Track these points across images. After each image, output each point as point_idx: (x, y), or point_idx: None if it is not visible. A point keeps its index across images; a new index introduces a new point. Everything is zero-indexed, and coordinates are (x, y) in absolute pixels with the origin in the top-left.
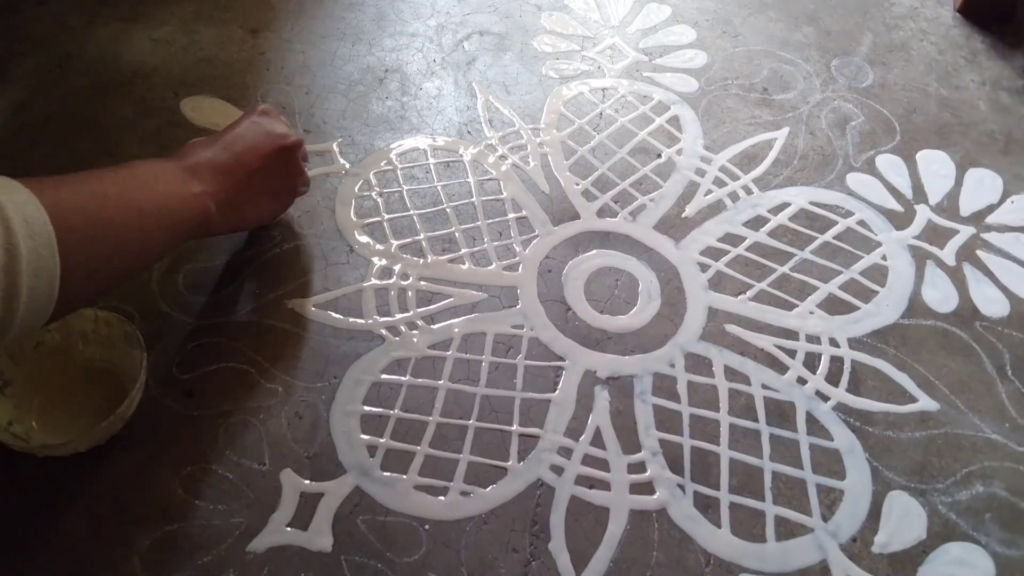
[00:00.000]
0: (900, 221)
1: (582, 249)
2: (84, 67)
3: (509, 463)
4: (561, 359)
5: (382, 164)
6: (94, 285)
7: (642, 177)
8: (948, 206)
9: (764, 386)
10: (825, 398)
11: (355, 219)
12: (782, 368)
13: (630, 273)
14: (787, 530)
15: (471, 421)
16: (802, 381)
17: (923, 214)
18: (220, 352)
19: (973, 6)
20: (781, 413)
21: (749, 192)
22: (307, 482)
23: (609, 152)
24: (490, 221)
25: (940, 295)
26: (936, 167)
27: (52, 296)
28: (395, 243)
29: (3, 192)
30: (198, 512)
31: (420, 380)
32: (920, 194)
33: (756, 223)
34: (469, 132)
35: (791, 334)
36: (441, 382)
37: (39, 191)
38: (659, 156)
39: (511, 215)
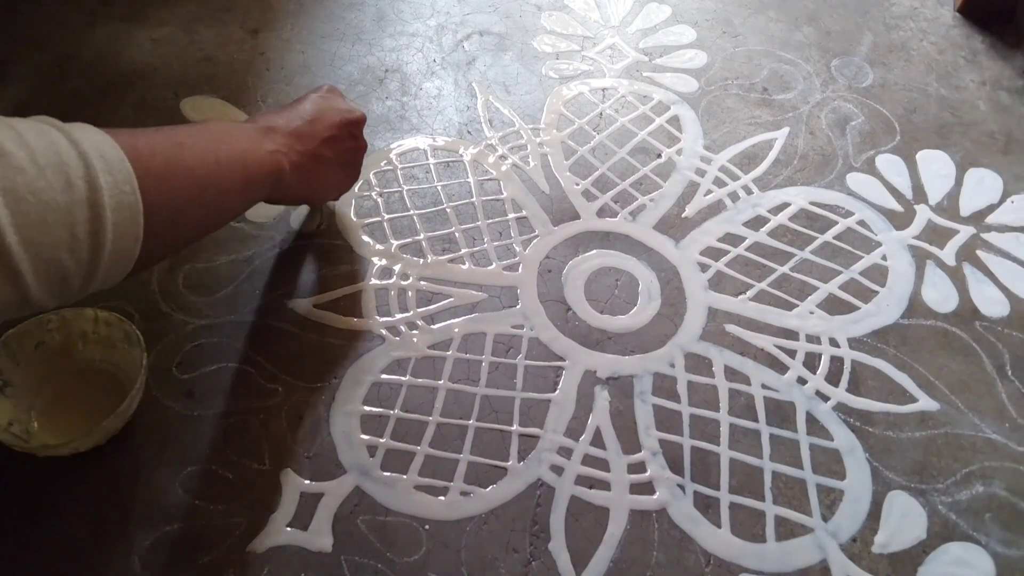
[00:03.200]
0: (900, 221)
1: (582, 249)
2: (84, 67)
3: (509, 463)
4: (561, 359)
5: (382, 164)
6: (175, 233)
7: (642, 177)
8: (948, 206)
9: (764, 386)
10: (825, 398)
11: (355, 219)
12: (782, 368)
13: (630, 273)
14: (787, 530)
15: (471, 421)
16: (802, 381)
17: (923, 214)
18: (220, 352)
19: (973, 6)
20: (781, 413)
21: (749, 192)
22: (307, 482)
23: (609, 152)
24: (490, 221)
25: (940, 295)
26: (936, 167)
27: (137, 235)
28: (395, 243)
29: (78, 131)
30: (198, 512)
31: (420, 380)
32: (920, 194)
33: (756, 223)
34: (469, 132)
35: (791, 334)
36: (441, 382)
37: (114, 135)
38: (659, 156)
39: (511, 215)
